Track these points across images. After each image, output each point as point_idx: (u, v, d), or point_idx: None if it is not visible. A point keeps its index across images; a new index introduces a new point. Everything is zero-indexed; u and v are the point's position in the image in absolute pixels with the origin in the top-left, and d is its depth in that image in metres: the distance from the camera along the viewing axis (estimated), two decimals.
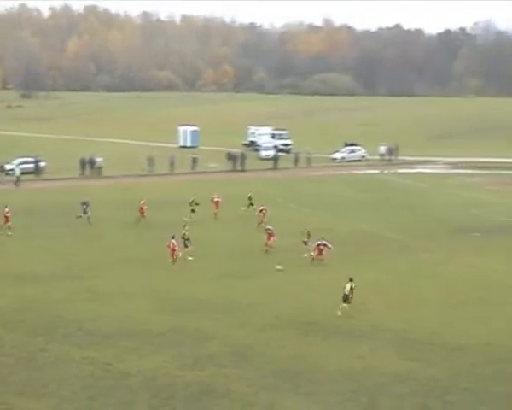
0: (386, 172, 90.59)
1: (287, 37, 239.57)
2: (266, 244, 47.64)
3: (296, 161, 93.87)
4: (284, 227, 52.25)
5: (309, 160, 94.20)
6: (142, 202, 56.46)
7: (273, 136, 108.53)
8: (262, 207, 54.75)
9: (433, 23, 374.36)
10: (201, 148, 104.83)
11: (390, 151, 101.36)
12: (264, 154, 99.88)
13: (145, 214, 55.90)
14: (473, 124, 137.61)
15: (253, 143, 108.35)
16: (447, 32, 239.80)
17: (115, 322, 33.90)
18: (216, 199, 58.14)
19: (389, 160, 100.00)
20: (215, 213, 57.45)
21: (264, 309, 36.27)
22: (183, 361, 29.37)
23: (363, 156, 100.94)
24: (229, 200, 60.78)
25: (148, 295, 38.24)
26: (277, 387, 27.16)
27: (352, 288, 35.62)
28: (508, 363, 29.79)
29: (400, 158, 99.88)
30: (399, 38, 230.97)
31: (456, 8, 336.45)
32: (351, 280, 35.86)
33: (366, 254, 48.14)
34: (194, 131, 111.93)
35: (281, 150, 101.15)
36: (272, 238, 47.64)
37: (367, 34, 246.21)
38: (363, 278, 42.13)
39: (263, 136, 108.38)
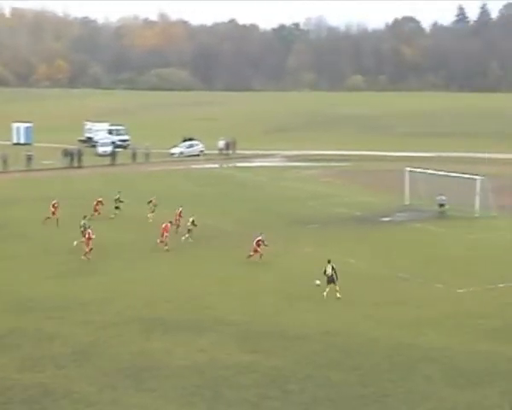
0: (225, 166, 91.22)
1: (122, 31, 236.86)
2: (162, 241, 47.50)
3: (134, 156, 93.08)
4: (123, 223, 51.76)
5: (147, 155, 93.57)
6: (54, 201, 55.00)
7: (110, 132, 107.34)
8: (180, 209, 53.55)
9: (267, 18, 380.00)
10: (36, 145, 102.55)
11: (228, 145, 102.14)
12: (101, 150, 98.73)
13: (56, 215, 53.85)
14: (308, 117, 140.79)
15: (89, 139, 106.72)
16: (281, 27, 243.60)
17: None
18: (99, 200, 56.76)
19: (227, 154, 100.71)
20: (94, 214, 55.29)
21: (105, 306, 35.90)
22: (22, 363, 28.65)
23: (201, 151, 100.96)
24: (71, 197, 60.02)
25: None
26: (120, 384, 26.89)
27: (333, 268, 37.48)
28: (346, 351, 30.53)
29: (238, 152, 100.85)
30: (235, 33, 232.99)
31: (290, 3, 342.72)
32: (329, 262, 37.68)
33: (207, 248, 48.41)
34: (28, 127, 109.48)
35: (118, 146, 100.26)
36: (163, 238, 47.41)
37: (203, 29, 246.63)
38: (206, 271, 42.73)
39: (100, 132, 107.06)
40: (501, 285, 40.00)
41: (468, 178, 60.13)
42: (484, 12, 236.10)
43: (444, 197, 59.56)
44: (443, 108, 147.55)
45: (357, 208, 62.07)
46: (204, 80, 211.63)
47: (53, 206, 54.79)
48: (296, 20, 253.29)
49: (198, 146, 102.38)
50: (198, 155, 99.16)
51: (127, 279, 41.04)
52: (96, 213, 55.35)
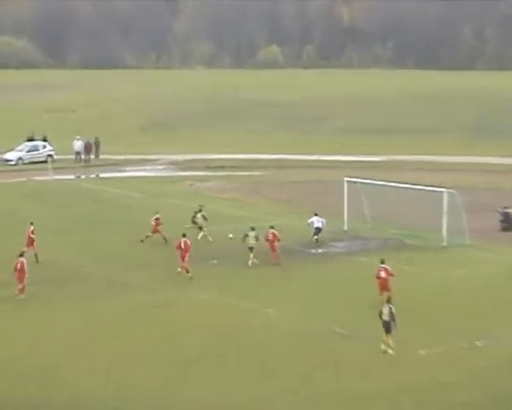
0: (84, 177, 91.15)
1: None
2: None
3: None
4: None
5: None
6: (156, 216, 60.68)
7: None
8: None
9: None
10: None
11: (89, 148, 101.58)
12: None
13: (160, 231, 60.14)
14: (202, 106, 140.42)
15: None
16: None
17: None
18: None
19: (87, 160, 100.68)
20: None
21: None
22: None
23: (49, 156, 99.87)
24: None
25: None
26: None
27: (391, 312, 39.01)
28: None
29: (104, 157, 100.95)
30: None
31: None
32: (388, 301, 39.57)
33: (60, 296, 48.20)
34: None
35: None
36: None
37: None
38: (58, 329, 42.44)
39: None
40: (478, 343, 40.48)
41: (432, 191, 60.89)
42: None
43: (319, 218, 60.72)
44: (394, 92, 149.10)
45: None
46: (52, 53, 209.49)
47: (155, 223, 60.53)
48: None
49: (45, 149, 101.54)
50: (45, 162, 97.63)
51: None
52: None
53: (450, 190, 61.11)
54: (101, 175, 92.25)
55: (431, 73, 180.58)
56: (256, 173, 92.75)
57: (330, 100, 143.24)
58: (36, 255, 55.02)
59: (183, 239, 52.66)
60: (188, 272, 51.75)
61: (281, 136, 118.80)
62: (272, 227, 56.07)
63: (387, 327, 39.13)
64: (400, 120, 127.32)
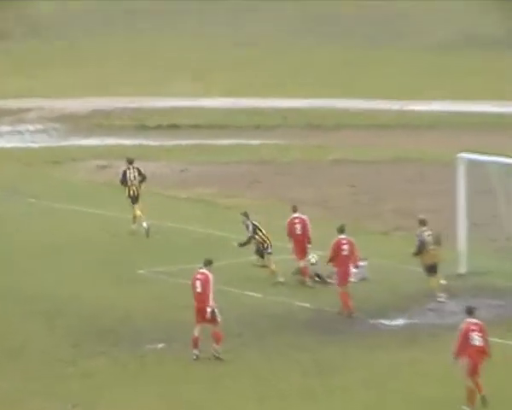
0: None
1: None
2: None
3: None
4: None
5: None
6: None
7: None
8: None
9: None
10: None
11: None
12: None
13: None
14: None
15: None
16: None
17: None
18: None
19: None
20: None
21: None
22: None
23: None
24: None
25: None
26: None
27: None
28: None
29: None
30: None
31: None
32: None
33: None
34: None
35: None
36: None
37: None
38: None
39: None
40: None
41: None
42: None
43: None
44: None
45: (306, 292, 53.00)
46: None
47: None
48: None
49: None
50: None
51: None
52: None
53: None
54: None
55: None
56: (256, 142, 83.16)
57: None
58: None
59: (199, 271, 46.36)
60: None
61: (315, 54, 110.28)
62: (342, 230, 52.36)
63: None
64: None
